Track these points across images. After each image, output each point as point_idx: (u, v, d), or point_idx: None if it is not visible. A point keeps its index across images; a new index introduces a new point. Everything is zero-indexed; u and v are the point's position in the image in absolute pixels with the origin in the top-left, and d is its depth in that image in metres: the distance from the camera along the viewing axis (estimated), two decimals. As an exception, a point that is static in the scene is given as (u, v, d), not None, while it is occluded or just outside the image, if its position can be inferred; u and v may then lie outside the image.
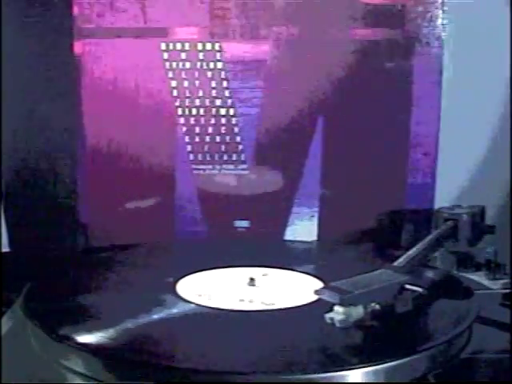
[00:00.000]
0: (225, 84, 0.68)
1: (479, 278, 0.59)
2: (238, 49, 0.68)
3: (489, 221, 0.63)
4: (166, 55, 0.67)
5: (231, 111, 0.69)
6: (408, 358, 0.41)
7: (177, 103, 0.68)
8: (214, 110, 0.68)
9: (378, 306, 0.43)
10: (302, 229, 0.70)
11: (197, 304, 0.49)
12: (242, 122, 0.69)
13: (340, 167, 0.70)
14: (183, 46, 0.67)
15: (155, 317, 0.47)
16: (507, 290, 0.55)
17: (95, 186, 0.68)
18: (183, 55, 0.68)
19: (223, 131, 0.69)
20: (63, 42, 0.67)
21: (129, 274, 0.56)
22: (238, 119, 0.69)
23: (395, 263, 0.49)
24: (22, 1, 0.70)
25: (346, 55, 0.68)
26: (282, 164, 0.69)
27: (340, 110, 0.69)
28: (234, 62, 0.68)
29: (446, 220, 0.61)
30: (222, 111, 0.69)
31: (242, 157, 0.69)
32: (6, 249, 0.70)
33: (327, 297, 0.43)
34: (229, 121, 0.69)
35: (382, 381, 0.40)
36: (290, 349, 0.43)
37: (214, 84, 0.68)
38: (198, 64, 0.68)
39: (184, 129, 0.69)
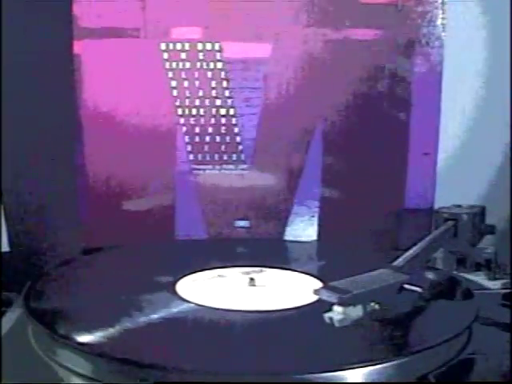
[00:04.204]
0: (225, 84, 0.68)
1: (479, 278, 0.59)
2: (238, 49, 0.68)
3: (489, 221, 0.64)
4: (165, 55, 0.67)
5: (231, 111, 0.69)
6: (408, 358, 0.41)
7: (177, 103, 0.68)
8: (213, 109, 0.69)
9: (377, 306, 0.43)
10: (302, 229, 0.70)
11: (197, 304, 0.49)
12: (241, 121, 0.69)
13: (340, 167, 0.70)
14: (183, 46, 0.67)
15: (155, 317, 0.47)
16: (507, 290, 0.55)
17: (95, 186, 0.68)
18: (183, 55, 0.68)
19: (223, 131, 0.69)
20: (63, 42, 0.67)
21: (129, 274, 0.56)
22: (237, 119, 0.69)
23: (395, 263, 0.49)
24: (21, 1, 0.70)
25: (346, 55, 0.68)
26: (282, 164, 0.69)
27: (340, 110, 0.69)
28: (234, 61, 0.68)
29: (446, 220, 0.61)
30: (222, 111, 0.69)
31: (242, 157, 0.69)
32: (5, 249, 0.70)
33: (326, 296, 0.43)
34: (229, 121, 0.69)
35: (382, 381, 0.40)
36: (289, 349, 0.43)
37: (213, 84, 0.68)
38: (198, 64, 0.68)
39: (184, 129, 0.69)
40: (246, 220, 0.70)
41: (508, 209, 0.71)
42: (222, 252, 0.62)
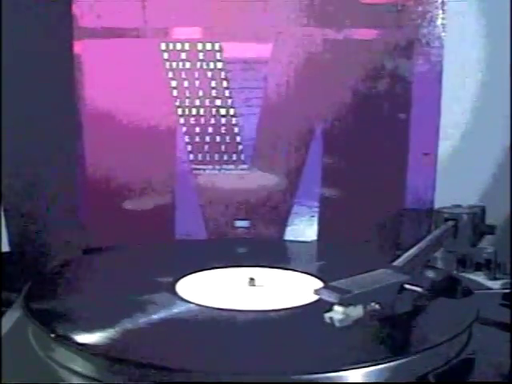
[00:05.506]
0: (225, 84, 0.68)
1: (479, 277, 0.59)
2: (238, 49, 0.68)
3: (489, 221, 0.64)
4: (165, 55, 0.67)
5: (231, 111, 0.69)
6: (408, 358, 0.41)
7: (177, 103, 0.68)
8: (213, 109, 0.69)
9: (377, 306, 0.43)
10: (302, 229, 0.70)
11: (197, 304, 0.49)
12: (241, 121, 0.69)
13: (340, 167, 0.70)
14: (183, 46, 0.67)
15: (155, 317, 0.47)
16: (507, 290, 0.55)
17: (95, 186, 0.68)
18: (183, 55, 0.68)
19: (223, 131, 0.69)
20: (63, 42, 0.67)
21: (129, 274, 0.56)
22: (237, 119, 0.69)
23: (395, 263, 0.49)
24: (22, 1, 0.70)
25: (346, 55, 0.68)
26: (282, 164, 0.69)
27: (340, 110, 0.69)
28: (234, 61, 0.68)
29: (446, 220, 0.61)
30: (222, 111, 0.69)
31: (242, 157, 0.69)
32: (6, 249, 0.70)
33: (326, 296, 0.43)
34: (229, 121, 0.69)
35: (382, 381, 0.40)
36: (289, 349, 0.43)
37: (213, 84, 0.68)
38: (198, 64, 0.68)
39: (184, 129, 0.69)
40: (246, 220, 0.70)
41: (508, 209, 0.72)
42: (222, 252, 0.62)
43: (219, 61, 0.68)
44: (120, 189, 0.69)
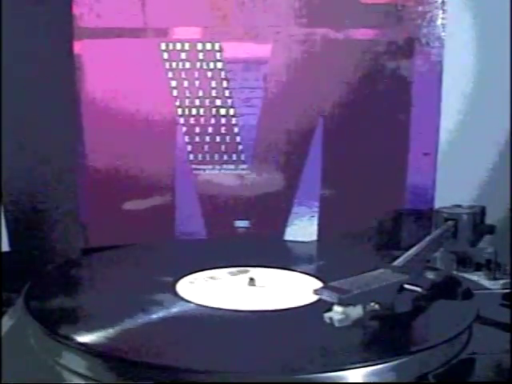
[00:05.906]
0: (225, 84, 0.68)
1: (479, 278, 0.59)
2: (238, 49, 0.68)
3: (489, 221, 0.64)
4: (165, 55, 0.67)
5: (231, 111, 0.69)
6: (408, 358, 0.41)
7: (177, 103, 0.68)
8: (214, 109, 0.69)
9: (377, 306, 0.43)
10: (302, 229, 0.70)
11: (197, 304, 0.49)
12: (241, 121, 0.69)
13: (340, 167, 0.70)
14: (183, 46, 0.67)
15: (155, 317, 0.47)
16: (507, 290, 0.55)
17: (95, 186, 0.68)
18: (183, 55, 0.68)
19: (223, 131, 0.69)
20: (63, 41, 0.67)
21: (129, 274, 0.56)
22: (237, 119, 0.69)
23: (395, 263, 0.49)
24: (22, 1, 0.70)
25: (346, 55, 0.68)
26: (282, 164, 0.69)
27: (340, 110, 0.69)
28: (234, 61, 0.68)
29: (446, 220, 0.61)
30: (222, 111, 0.69)
31: (242, 157, 0.69)
32: (6, 249, 0.70)
33: (326, 296, 0.43)
34: (229, 121, 0.69)
35: (382, 381, 0.40)
36: (289, 349, 0.43)
37: (213, 84, 0.68)
38: (198, 64, 0.68)
39: (184, 129, 0.69)
40: (246, 220, 0.70)
41: (508, 209, 0.72)
42: (222, 252, 0.62)
43: (219, 61, 0.68)
44: (120, 189, 0.69)
